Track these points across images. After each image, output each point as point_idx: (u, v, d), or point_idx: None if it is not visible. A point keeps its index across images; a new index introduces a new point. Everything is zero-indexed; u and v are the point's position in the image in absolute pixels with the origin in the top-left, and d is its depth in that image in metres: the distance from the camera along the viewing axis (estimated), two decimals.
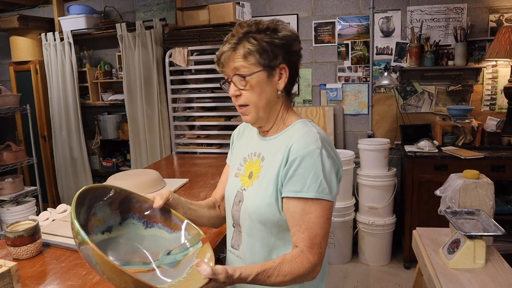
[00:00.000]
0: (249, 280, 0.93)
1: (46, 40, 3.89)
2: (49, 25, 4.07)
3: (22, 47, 3.99)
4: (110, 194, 1.01)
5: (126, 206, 1.04)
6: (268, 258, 1.13)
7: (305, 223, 1.04)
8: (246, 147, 1.25)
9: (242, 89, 1.10)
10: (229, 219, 1.23)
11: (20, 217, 3.35)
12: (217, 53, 1.12)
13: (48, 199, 4.23)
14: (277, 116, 1.17)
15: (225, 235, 1.46)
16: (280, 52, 1.10)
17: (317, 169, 1.04)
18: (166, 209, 1.08)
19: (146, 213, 1.06)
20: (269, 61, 1.09)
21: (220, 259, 1.54)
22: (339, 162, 1.11)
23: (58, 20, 3.93)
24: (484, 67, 3.22)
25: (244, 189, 1.17)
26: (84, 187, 0.94)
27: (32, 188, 3.61)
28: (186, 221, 1.07)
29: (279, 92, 1.14)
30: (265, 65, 1.09)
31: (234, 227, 1.21)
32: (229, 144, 3.50)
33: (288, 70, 1.12)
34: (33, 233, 1.34)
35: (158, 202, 1.08)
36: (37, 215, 1.70)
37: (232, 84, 1.11)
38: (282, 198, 1.08)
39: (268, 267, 0.98)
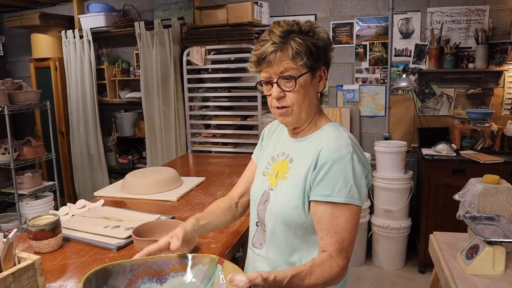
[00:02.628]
0: (284, 283, 0.92)
1: (66, 38, 3.95)
2: (69, 23, 4.13)
3: (42, 44, 4.06)
4: (108, 269, 0.96)
5: (132, 276, 1.00)
6: (290, 260, 1.13)
7: (334, 227, 1.03)
8: (276, 146, 1.25)
9: (287, 91, 1.08)
10: (254, 217, 1.23)
11: (38, 211, 3.40)
12: (256, 53, 1.08)
13: (65, 194, 4.29)
14: (312, 118, 1.17)
15: (243, 234, 1.46)
16: (321, 54, 1.10)
17: (348, 173, 1.04)
18: (167, 258, 1.04)
19: (153, 270, 1.01)
20: (313, 62, 1.09)
21: (235, 258, 1.54)
22: (368, 168, 1.11)
23: (78, 18, 3.98)
24: (505, 70, 3.17)
25: (271, 189, 1.17)
26: (83, 279, 0.88)
27: (51, 183, 3.66)
28: (190, 255, 1.03)
29: (318, 94, 1.15)
30: (310, 66, 1.08)
31: (257, 225, 1.21)
32: (245, 143, 3.51)
33: (326, 73, 1.15)
34: (54, 228, 1.36)
35: (175, 244, 1.05)
36: (55, 209, 1.73)
37: (275, 86, 1.08)
38: (310, 201, 1.08)
39: (301, 270, 0.96)
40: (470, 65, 3.20)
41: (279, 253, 1.14)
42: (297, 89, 1.08)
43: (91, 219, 1.60)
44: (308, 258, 1.10)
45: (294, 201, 1.09)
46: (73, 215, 1.68)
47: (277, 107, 1.11)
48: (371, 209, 3.35)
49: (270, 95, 1.11)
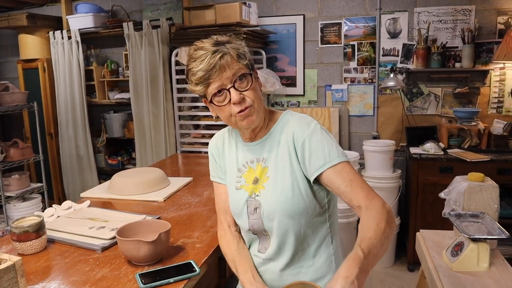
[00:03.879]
0: (366, 253, 0.91)
1: (54, 39, 3.92)
2: (57, 24, 4.11)
3: (30, 45, 4.03)
4: None
5: None
6: (301, 249, 1.16)
7: (347, 178, 1.06)
8: (236, 159, 1.25)
9: (245, 90, 1.10)
10: (247, 231, 1.21)
11: (26, 213, 3.37)
12: (200, 67, 1.06)
13: (54, 196, 4.26)
14: (265, 115, 1.20)
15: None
16: (251, 58, 1.15)
17: (327, 139, 1.11)
18: None
19: None
20: (250, 64, 1.13)
21: (222, 258, 1.54)
22: None
23: (66, 19, 3.96)
24: (491, 70, 3.20)
25: (257, 195, 1.17)
26: None
27: (38, 184, 3.63)
28: None
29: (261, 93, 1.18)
30: (250, 67, 1.13)
31: (255, 234, 1.21)
32: None
33: (258, 77, 1.18)
34: (38, 229, 1.35)
35: None
36: (43, 211, 1.72)
37: (233, 91, 1.08)
38: (314, 181, 1.11)
39: (362, 237, 0.96)
40: (457, 65, 3.23)
41: (288, 248, 1.16)
42: (253, 86, 1.11)
43: (76, 220, 1.59)
44: (315, 241, 1.16)
45: (289, 191, 1.11)
46: (58, 216, 1.67)
47: (240, 110, 1.10)
48: None
49: (227, 104, 1.10)
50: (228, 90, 1.08)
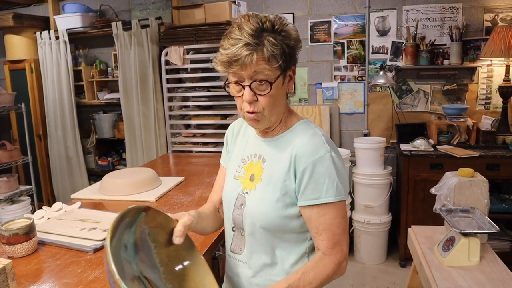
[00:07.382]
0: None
1: (41, 39, 3.87)
2: (45, 24, 4.05)
3: (17, 46, 3.97)
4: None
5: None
6: (273, 259, 1.12)
7: (322, 225, 1.04)
8: (244, 148, 1.21)
9: (260, 94, 1.02)
10: (229, 223, 1.19)
11: (15, 216, 3.32)
12: (226, 52, 0.98)
13: (44, 198, 4.21)
14: (282, 118, 1.13)
15: (218, 236, 1.45)
16: (293, 54, 1.04)
17: (331, 172, 1.03)
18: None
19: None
20: (286, 64, 1.02)
21: (216, 257, 1.54)
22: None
23: (54, 19, 3.91)
24: (479, 67, 3.24)
25: (247, 193, 1.14)
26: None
27: (27, 187, 3.59)
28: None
29: (288, 95, 1.11)
30: (284, 68, 1.02)
31: (234, 231, 1.18)
32: None
33: (295, 71, 1.09)
34: (28, 231, 1.34)
35: (180, 240, 0.98)
36: (32, 214, 1.70)
37: (248, 89, 1.01)
38: (300, 206, 1.07)
39: (292, 281, 0.99)
40: (445, 62, 3.27)
41: (260, 256, 1.12)
42: (271, 93, 1.02)
43: (67, 222, 1.57)
44: (288, 255, 1.11)
45: (273, 204, 1.07)
46: (48, 218, 1.65)
47: (248, 111, 1.05)
48: (352, 205, 3.38)
49: (240, 96, 1.04)
50: (244, 86, 1.01)
